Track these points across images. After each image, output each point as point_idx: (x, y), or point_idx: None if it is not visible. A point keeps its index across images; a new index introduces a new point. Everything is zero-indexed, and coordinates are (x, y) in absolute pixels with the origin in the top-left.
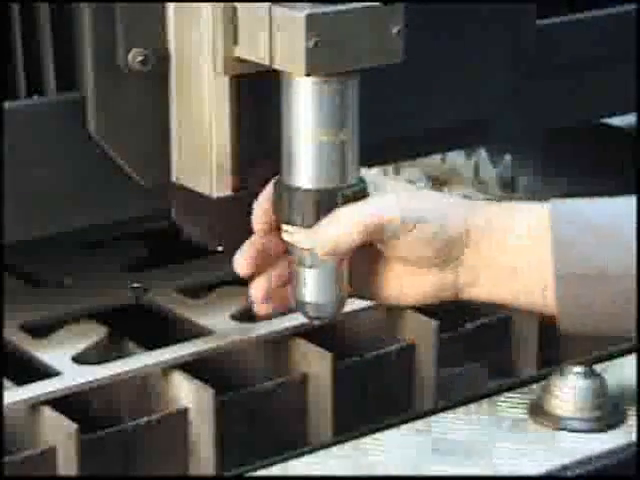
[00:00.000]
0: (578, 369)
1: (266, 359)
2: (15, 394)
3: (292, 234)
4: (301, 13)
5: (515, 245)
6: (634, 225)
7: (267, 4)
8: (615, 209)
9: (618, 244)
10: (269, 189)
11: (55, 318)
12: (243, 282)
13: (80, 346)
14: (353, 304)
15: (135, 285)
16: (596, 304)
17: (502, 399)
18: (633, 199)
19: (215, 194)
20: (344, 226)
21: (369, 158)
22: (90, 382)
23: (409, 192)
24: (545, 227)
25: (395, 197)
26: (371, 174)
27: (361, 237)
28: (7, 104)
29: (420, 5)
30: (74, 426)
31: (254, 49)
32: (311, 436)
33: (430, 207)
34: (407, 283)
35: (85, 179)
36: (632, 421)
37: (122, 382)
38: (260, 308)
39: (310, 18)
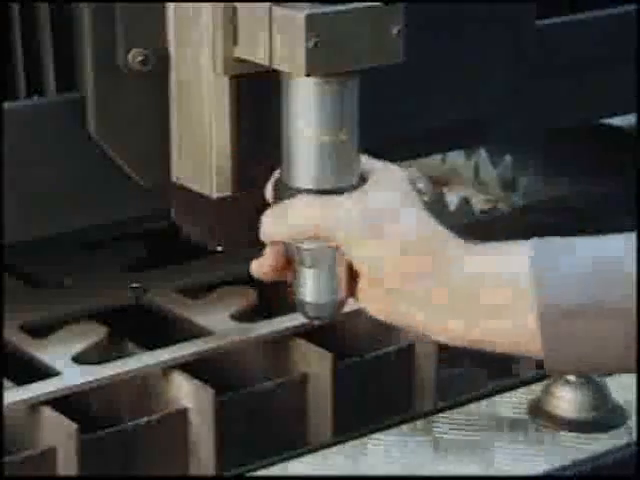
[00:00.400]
0: None
1: (266, 359)
2: (15, 394)
3: None
4: (301, 13)
5: (494, 290)
6: (619, 261)
7: (267, 4)
8: (594, 245)
9: (601, 281)
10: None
11: (55, 318)
12: (243, 282)
13: (80, 346)
14: (353, 304)
15: (135, 285)
16: (580, 343)
17: (502, 399)
18: (612, 237)
19: (215, 194)
20: (284, 221)
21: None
22: (90, 382)
23: (391, 201)
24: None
25: (363, 206)
26: (375, 164)
27: (299, 237)
28: (7, 104)
29: (420, 5)
30: (74, 426)
31: (254, 49)
32: (311, 436)
33: (401, 229)
34: (370, 294)
35: (85, 179)
36: (632, 421)
37: (122, 382)
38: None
39: (310, 18)
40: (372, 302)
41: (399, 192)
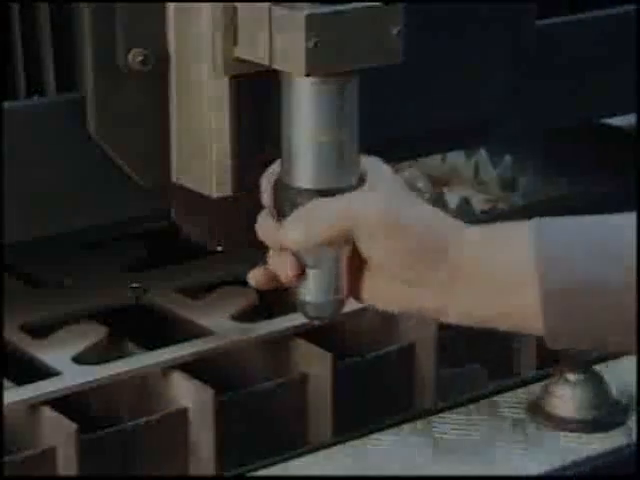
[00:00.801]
0: (578, 369)
1: (266, 359)
2: (15, 394)
3: None
4: (301, 13)
5: (498, 270)
6: (621, 238)
7: (267, 4)
8: (597, 223)
9: (604, 258)
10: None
11: (55, 318)
12: (243, 282)
13: (80, 346)
14: (353, 304)
15: (135, 285)
16: (582, 319)
17: (502, 399)
18: (617, 216)
19: (215, 194)
20: (314, 224)
21: None
22: (90, 382)
23: (397, 197)
24: (530, 257)
25: (378, 200)
26: (370, 161)
27: (331, 237)
28: (7, 104)
29: (420, 5)
30: (74, 426)
31: (254, 49)
32: (311, 436)
33: (411, 220)
34: (381, 288)
35: (85, 179)
36: (632, 421)
37: (122, 382)
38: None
39: (310, 18)
40: (384, 296)
41: (400, 188)
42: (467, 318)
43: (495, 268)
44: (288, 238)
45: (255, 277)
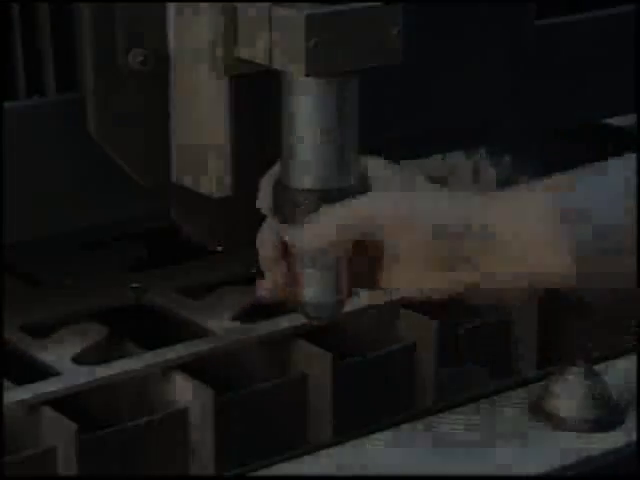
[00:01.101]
0: (578, 369)
1: (266, 359)
2: (15, 394)
3: None
4: (301, 13)
5: (522, 238)
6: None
7: (267, 4)
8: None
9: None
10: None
11: (55, 318)
12: (243, 282)
13: (80, 346)
14: (353, 304)
15: (135, 285)
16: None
17: (502, 399)
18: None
19: (215, 194)
20: (328, 227)
21: None
22: (90, 382)
23: (405, 192)
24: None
25: (388, 199)
26: (374, 163)
27: (345, 239)
28: (7, 104)
29: (420, 5)
30: (74, 426)
31: (254, 49)
32: (311, 436)
33: (424, 213)
34: (414, 277)
35: (85, 179)
36: (632, 421)
37: (122, 382)
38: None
39: (310, 18)
40: (420, 284)
41: (403, 185)
42: (503, 285)
43: (517, 235)
44: (303, 239)
45: (271, 291)
